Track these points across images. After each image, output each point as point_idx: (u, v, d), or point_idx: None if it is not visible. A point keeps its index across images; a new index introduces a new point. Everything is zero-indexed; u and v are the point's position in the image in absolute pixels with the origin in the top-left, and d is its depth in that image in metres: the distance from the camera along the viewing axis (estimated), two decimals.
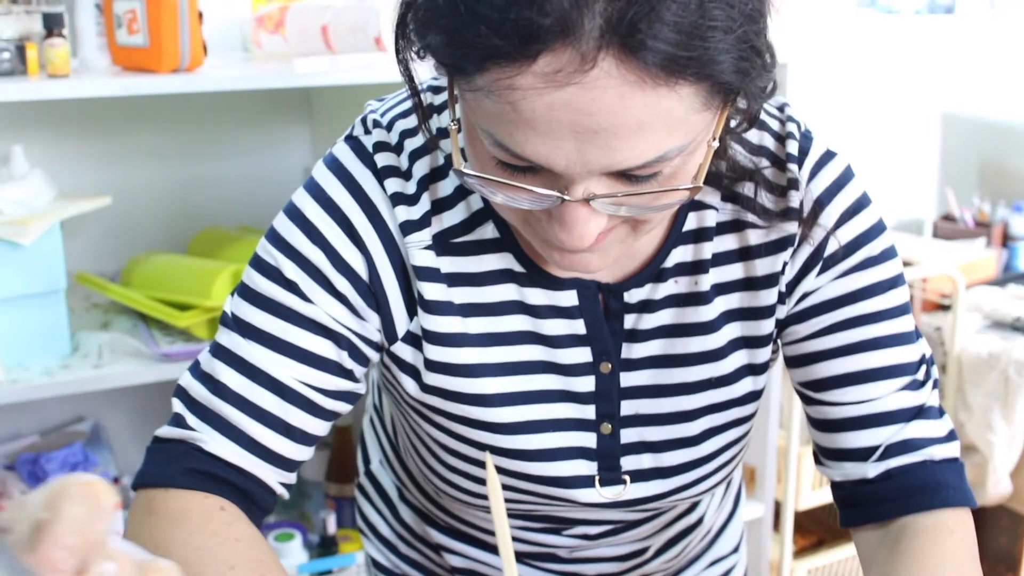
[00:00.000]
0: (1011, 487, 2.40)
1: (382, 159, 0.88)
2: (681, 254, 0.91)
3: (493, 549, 1.11)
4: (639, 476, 0.96)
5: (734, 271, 0.91)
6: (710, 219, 0.90)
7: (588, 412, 0.93)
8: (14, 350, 1.63)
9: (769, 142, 0.90)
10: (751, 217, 0.89)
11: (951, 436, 0.91)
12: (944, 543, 0.85)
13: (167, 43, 1.59)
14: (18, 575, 0.42)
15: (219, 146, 2.13)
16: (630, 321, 0.92)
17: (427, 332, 0.89)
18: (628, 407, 0.94)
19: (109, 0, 1.65)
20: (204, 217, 2.11)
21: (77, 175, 1.97)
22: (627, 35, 0.63)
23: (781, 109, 0.91)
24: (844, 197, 0.89)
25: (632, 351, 0.92)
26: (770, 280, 0.90)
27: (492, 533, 1.07)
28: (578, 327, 0.91)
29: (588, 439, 0.94)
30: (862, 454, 0.90)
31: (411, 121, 0.89)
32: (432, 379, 0.90)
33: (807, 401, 0.94)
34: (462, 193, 0.89)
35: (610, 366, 0.92)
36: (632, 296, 0.91)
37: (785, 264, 0.90)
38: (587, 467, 0.95)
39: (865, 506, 0.90)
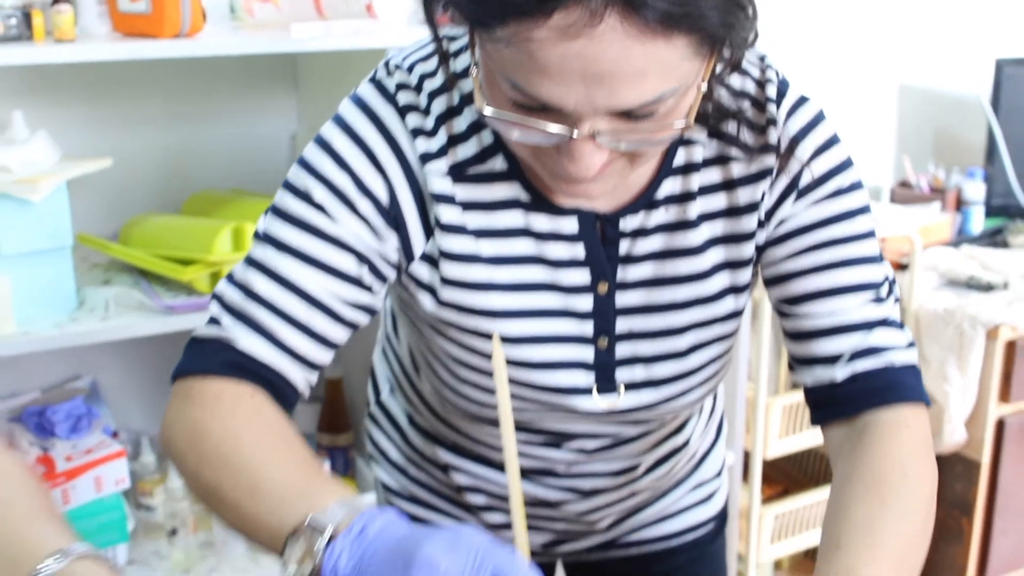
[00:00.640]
0: (966, 435, 2.53)
1: (403, 98, 0.98)
2: (671, 185, 1.01)
3: (498, 466, 1.21)
4: (632, 387, 1.06)
5: (718, 200, 1.01)
6: (697, 154, 1.01)
7: (586, 328, 1.03)
8: (24, 304, 1.70)
9: (750, 86, 1.00)
10: (734, 152, 1.00)
11: (910, 345, 1.02)
12: (902, 434, 0.96)
13: (169, 9, 1.67)
14: None
15: (210, 113, 2.20)
16: (625, 246, 1.02)
17: (443, 252, 0.99)
18: (622, 324, 1.04)
19: None
20: (196, 181, 2.19)
21: (72, 140, 2.03)
22: None
23: (762, 59, 1.02)
24: (817, 135, 1.00)
25: (626, 273, 1.03)
26: (751, 208, 1.01)
27: (498, 449, 1.17)
28: (578, 251, 1.01)
29: (586, 353, 1.04)
30: (831, 360, 1.01)
31: (429, 65, 0.99)
32: (447, 295, 1.00)
33: (783, 315, 1.04)
34: (475, 128, 0.99)
35: (607, 287, 1.02)
36: (627, 224, 1.01)
37: (764, 193, 1.00)
38: (585, 378, 1.05)
39: (833, 406, 1.01)
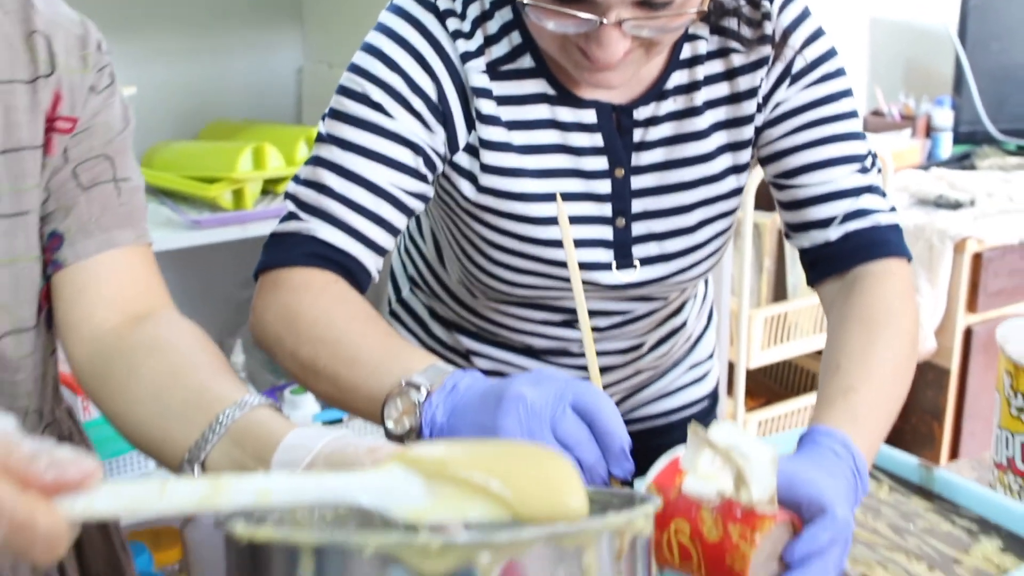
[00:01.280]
0: (935, 345, 2.70)
1: (442, 4, 1.11)
2: (679, 77, 1.14)
3: (519, 350, 1.33)
4: (647, 261, 1.20)
5: (721, 89, 1.15)
6: (702, 48, 1.14)
7: (606, 210, 1.17)
8: None
9: None
10: (734, 44, 1.14)
11: (892, 209, 1.17)
12: (888, 281, 1.11)
13: None
14: None
15: (222, 48, 2.32)
16: (638, 135, 1.15)
17: (482, 141, 1.12)
18: (638, 205, 1.18)
19: None
20: (210, 111, 2.31)
21: None
22: None
23: None
24: (807, 26, 1.14)
25: (640, 159, 1.16)
26: (750, 94, 1.14)
27: (518, 332, 1.30)
28: (597, 140, 1.14)
29: (606, 232, 1.18)
30: (825, 223, 1.15)
31: None
32: (485, 181, 1.13)
33: (779, 188, 1.18)
34: (505, 30, 1.11)
35: (623, 171, 1.16)
36: (640, 113, 1.15)
37: (762, 80, 1.14)
38: (605, 254, 1.18)
39: (828, 263, 1.16)
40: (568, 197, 1.15)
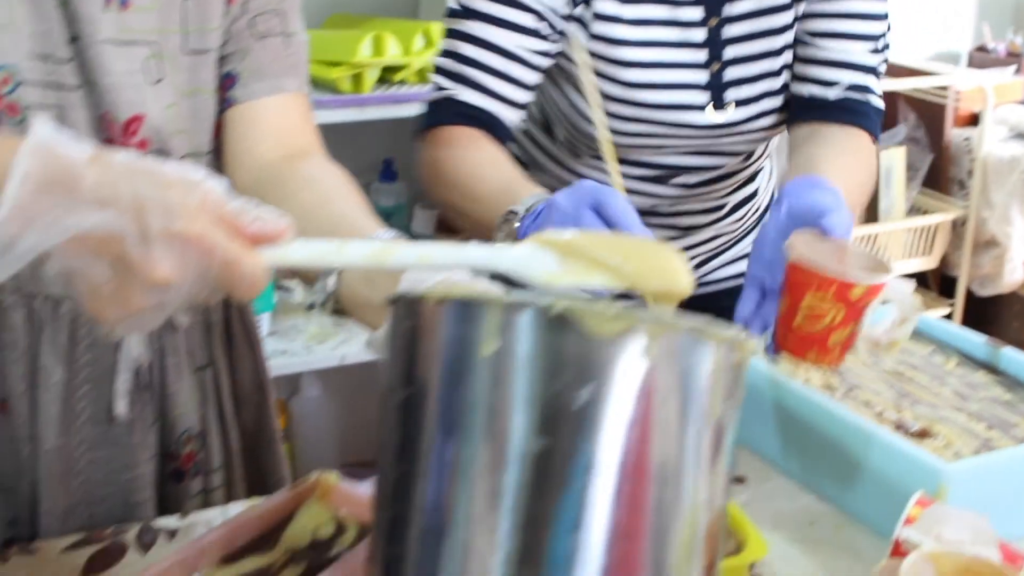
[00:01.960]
0: None
1: None
2: None
3: None
4: (740, 103, 1.32)
5: None
6: None
7: (700, 56, 1.30)
8: None
9: None
10: None
11: (881, 97, 1.33)
12: (862, 142, 1.30)
13: None
14: None
15: None
16: None
17: None
18: (730, 51, 1.30)
19: None
20: (333, 4, 2.43)
21: None
22: None
23: None
24: None
25: (732, 9, 1.29)
26: None
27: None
28: None
29: (701, 76, 1.30)
30: (830, 84, 1.30)
31: None
32: (596, 28, 1.26)
33: (801, 44, 1.32)
34: None
35: (716, 21, 1.28)
36: None
37: None
38: (701, 96, 1.30)
39: (816, 111, 1.31)
40: (665, 45, 1.28)
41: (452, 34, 1.24)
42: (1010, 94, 3.03)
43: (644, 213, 1.41)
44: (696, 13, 1.28)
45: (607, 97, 1.28)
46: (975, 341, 1.27)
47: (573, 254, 0.69)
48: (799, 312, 0.97)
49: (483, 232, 1.10)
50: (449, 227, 2.41)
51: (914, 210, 2.86)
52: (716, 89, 1.30)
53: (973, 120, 2.78)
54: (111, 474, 1.04)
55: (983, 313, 2.83)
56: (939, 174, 2.84)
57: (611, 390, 0.57)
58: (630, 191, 1.39)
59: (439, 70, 1.26)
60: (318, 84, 2.10)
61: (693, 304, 1.48)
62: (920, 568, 0.77)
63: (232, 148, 1.05)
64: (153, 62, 0.98)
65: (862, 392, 1.14)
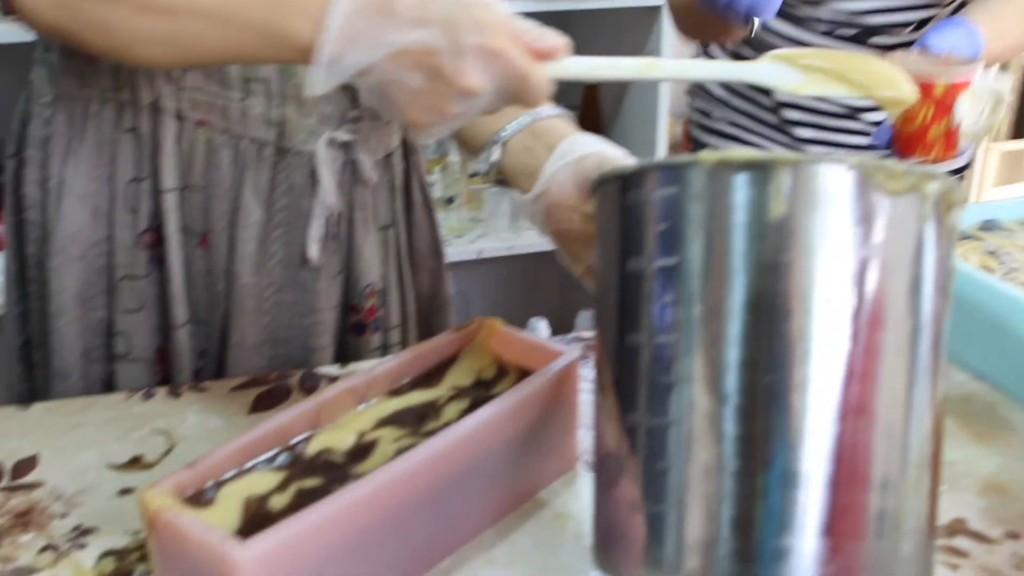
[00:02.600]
0: None
1: None
2: None
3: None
4: None
5: None
6: None
7: None
8: None
9: None
10: None
11: None
12: None
13: None
14: None
15: None
16: None
17: None
18: None
19: None
20: None
21: None
22: None
23: None
24: None
25: None
26: None
27: None
28: None
29: None
30: None
31: None
32: None
33: None
34: None
35: None
36: None
37: None
38: None
39: None
40: None
41: None
42: None
43: None
44: None
45: None
46: None
47: (811, 67, 0.78)
48: (898, 115, 1.10)
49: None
50: (594, 128, 2.41)
51: None
52: None
53: None
54: (295, 317, 1.09)
55: None
56: None
57: (898, 245, 0.61)
58: None
59: None
60: None
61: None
62: None
63: None
64: None
65: (1020, 275, 1.12)
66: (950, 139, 1.11)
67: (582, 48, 0.77)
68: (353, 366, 1.07)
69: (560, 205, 0.87)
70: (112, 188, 1.01)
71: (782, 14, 1.38)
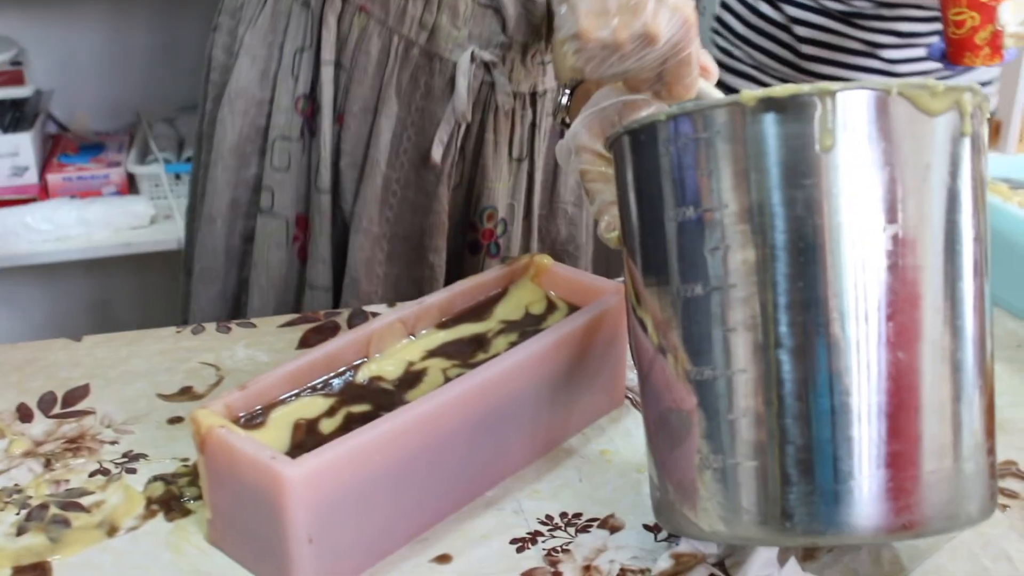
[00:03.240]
0: None
1: None
2: None
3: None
4: None
5: None
6: None
7: None
8: None
9: None
10: None
11: None
12: None
13: None
14: None
15: None
16: None
17: None
18: None
19: None
20: None
21: None
22: None
23: None
24: None
25: None
26: None
27: None
28: None
29: None
30: None
31: None
32: None
33: None
34: None
35: None
36: None
37: None
38: None
39: None
40: None
41: None
42: None
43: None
44: None
45: None
46: None
47: None
48: (949, 24, 1.19)
49: None
50: None
51: None
52: None
53: None
54: (415, 215, 1.15)
55: None
56: None
57: (940, 166, 0.61)
58: None
59: None
60: None
61: None
62: None
63: None
64: None
65: None
66: (996, 42, 1.18)
67: None
68: (400, 305, 1.07)
69: (586, 148, 0.87)
70: (280, 54, 1.12)
71: None
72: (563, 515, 0.76)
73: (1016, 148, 2.47)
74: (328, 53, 1.09)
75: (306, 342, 0.99)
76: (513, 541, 0.74)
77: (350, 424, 0.73)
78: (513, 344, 0.81)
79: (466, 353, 0.82)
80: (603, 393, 0.86)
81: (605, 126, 0.86)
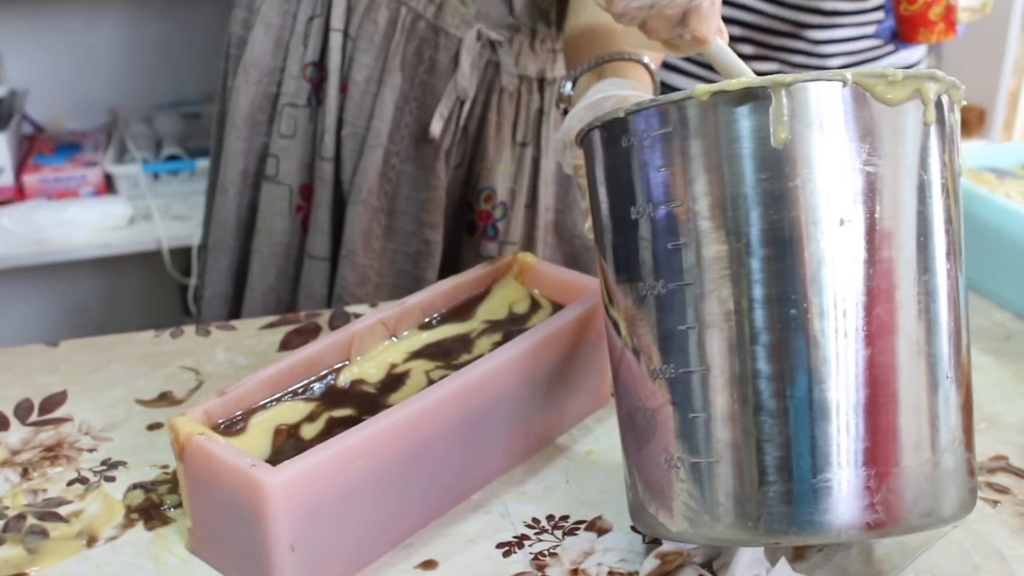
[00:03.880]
0: None
1: None
2: None
3: None
4: None
5: None
6: None
7: None
8: None
9: None
10: None
11: None
12: None
13: None
14: None
15: None
16: None
17: None
18: None
19: None
20: None
21: None
22: None
23: None
24: None
25: None
26: None
27: None
28: None
29: None
30: None
31: None
32: None
33: None
34: None
35: None
36: None
37: None
38: None
39: None
40: None
41: None
42: None
43: None
44: None
45: None
46: None
47: None
48: (900, 1, 1.16)
49: None
50: None
51: None
52: None
53: None
54: (413, 190, 1.15)
55: None
56: None
57: (904, 156, 0.59)
58: None
59: None
60: None
61: None
62: None
63: None
64: None
65: None
66: (950, 17, 1.16)
67: None
68: (383, 305, 1.06)
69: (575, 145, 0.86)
70: (294, 23, 1.13)
71: None
72: (550, 518, 0.75)
73: (1001, 136, 2.47)
74: (337, 21, 1.11)
75: (287, 344, 0.98)
76: (499, 545, 0.73)
77: (332, 429, 0.72)
78: (497, 344, 0.80)
79: (449, 354, 0.81)
80: (589, 392, 0.85)
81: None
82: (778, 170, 0.58)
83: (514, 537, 0.73)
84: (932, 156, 0.60)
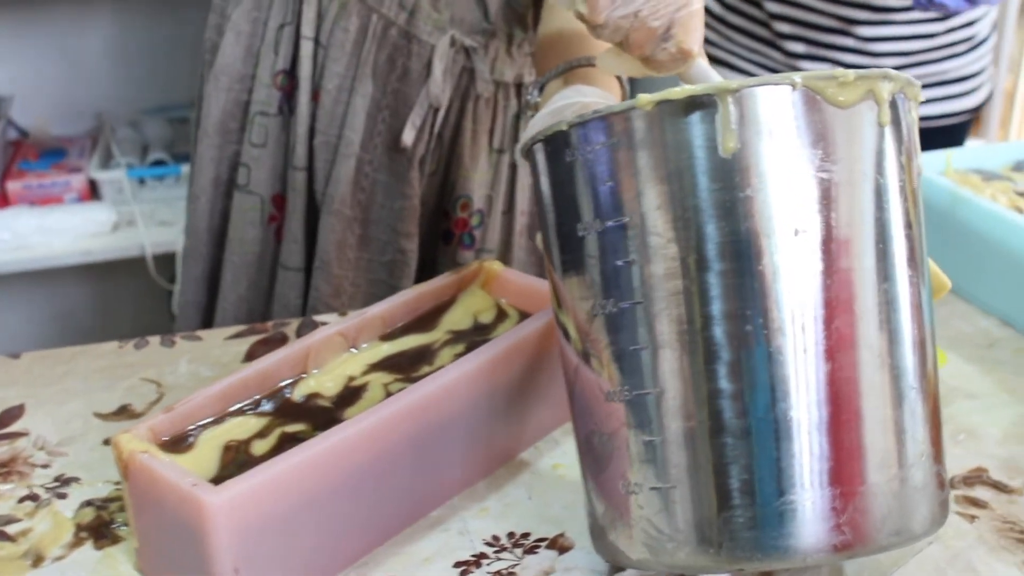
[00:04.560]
0: None
1: None
2: None
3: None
4: None
5: None
6: None
7: None
8: None
9: None
10: None
11: None
12: None
13: None
14: None
15: None
16: None
17: None
18: None
19: None
20: None
21: None
22: None
23: None
24: None
25: None
26: None
27: None
28: None
29: None
30: None
31: None
32: None
33: None
34: None
35: None
36: None
37: None
38: None
39: None
40: None
41: None
42: None
43: None
44: None
45: None
46: None
47: None
48: None
49: None
50: None
51: None
52: None
53: None
54: (387, 199, 1.13)
55: None
56: None
57: (859, 159, 0.57)
58: None
59: None
60: None
61: None
62: None
63: None
64: None
65: None
66: None
67: None
68: (352, 314, 1.04)
69: None
70: (264, 31, 1.11)
71: None
72: (510, 535, 0.73)
73: (998, 134, 2.44)
74: (308, 29, 1.09)
75: (252, 355, 0.96)
76: (457, 564, 0.70)
77: (284, 445, 0.70)
78: (460, 355, 0.78)
79: (409, 366, 0.78)
80: (556, 403, 0.83)
81: None
82: (728, 180, 0.55)
83: (472, 556, 0.71)
84: (888, 159, 0.58)
